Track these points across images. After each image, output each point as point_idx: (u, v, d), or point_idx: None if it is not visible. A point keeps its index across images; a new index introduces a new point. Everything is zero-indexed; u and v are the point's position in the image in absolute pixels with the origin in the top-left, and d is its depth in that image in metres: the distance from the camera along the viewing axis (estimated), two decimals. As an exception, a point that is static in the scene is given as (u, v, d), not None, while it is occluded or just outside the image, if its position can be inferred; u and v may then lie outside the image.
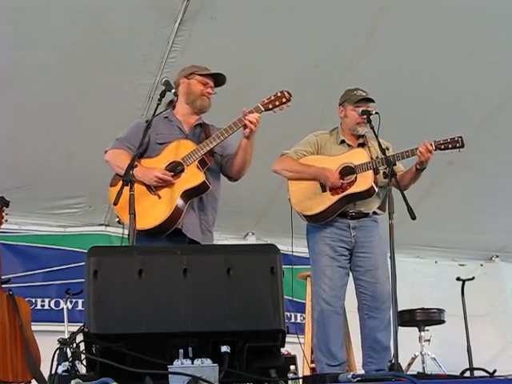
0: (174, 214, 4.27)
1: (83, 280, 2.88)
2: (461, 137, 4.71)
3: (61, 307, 6.92)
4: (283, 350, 3.08)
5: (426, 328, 6.81)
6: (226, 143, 4.49)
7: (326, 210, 4.91)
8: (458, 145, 4.71)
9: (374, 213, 4.99)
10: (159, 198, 4.31)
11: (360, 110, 4.90)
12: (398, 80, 6.27)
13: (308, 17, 5.82)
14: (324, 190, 4.94)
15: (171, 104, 4.71)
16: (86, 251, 2.92)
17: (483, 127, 6.82)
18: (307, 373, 5.74)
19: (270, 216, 7.82)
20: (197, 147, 4.38)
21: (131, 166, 4.03)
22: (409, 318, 6.76)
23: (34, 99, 6.16)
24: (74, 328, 3.05)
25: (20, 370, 5.28)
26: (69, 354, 2.79)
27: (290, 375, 5.45)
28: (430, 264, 9.18)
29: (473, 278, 6.76)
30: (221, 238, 8.04)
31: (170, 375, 2.55)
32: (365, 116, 4.84)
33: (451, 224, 8.27)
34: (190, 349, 2.73)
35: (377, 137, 4.67)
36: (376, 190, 4.86)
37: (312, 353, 5.45)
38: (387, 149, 4.78)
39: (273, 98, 4.40)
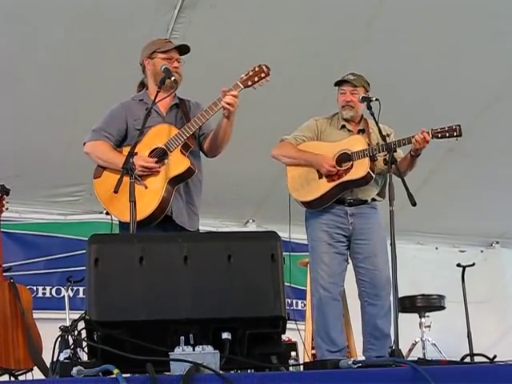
0: (163, 203, 4.23)
1: (84, 268, 2.88)
2: (459, 125, 4.66)
3: (62, 295, 6.93)
4: (284, 337, 3.09)
5: (427, 314, 6.84)
6: None
7: (321, 196, 4.90)
8: (455, 133, 4.66)
9: (373, 199, 4.98)
10: (146, 187, 4.24)
11: (360, 96, 4.90)
12: (397, 67, 6.26)
13: (308, 4, 5.80)
14: (320, 177, 4.93)
15: (143, 85, 4.63)
16: (86, 239, 2.92)
17: (483, 114, 6.81)
18: (308, 359, 5.75)
19: (271, 203, 7.82)
20: (179, 132, 4.30)
21: (131, 154, 4.01)
22: (409, 305, 6.78)
23: (33, 87, 6.15)
24: (76, 315, 3.05)
25: (22, 358, 5.30)
26: (70, 342, 2.80)
27: (291, 361, 5.45)
28: (431, 250, 9.19)
29: (473, 265, 6.77)
30: (221, 226, 8.06)
31: (171, 362, 2.56)
32: (349, 100, 4.92)
33: (452, 210, 8.28)
34: (191, 336, 2.74)
35: (377, 123, 4.66)
36: (373, 176, 4.84)
37: (313, 339, 5.47)
38: (387, 135, 4.77)
39: (251, 73, 4.30)
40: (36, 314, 5.65)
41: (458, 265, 6.73)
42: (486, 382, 2.70)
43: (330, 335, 4.81)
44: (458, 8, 5.84)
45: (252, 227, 8.33)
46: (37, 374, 5.23)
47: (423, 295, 6.92)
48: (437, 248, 9.25)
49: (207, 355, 2.59)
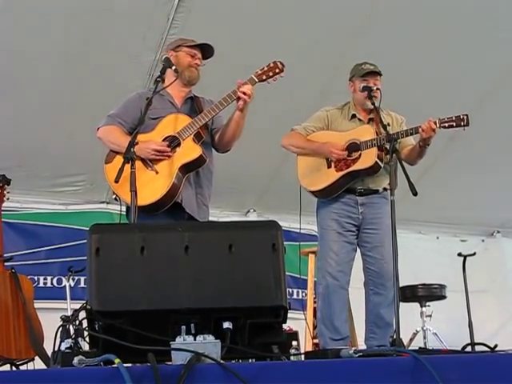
0: (173, 189, 4.27)
1: (85, 257, 2.88)
2: (466, 115, 4.62)
3: (63, 285, 6.94)
4: (285, 326, 3.09)
5: (428, 303, 6.85)
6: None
7: (329, 185, 4.93)
8: (462, 123, 4.62)
9: (385, 189, 4.98)
10: (156, 173, 4.29)
11: (361, 85, 4.89)
12: (398, 55, 6.24)
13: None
14: (329, 166, 4.95)
15: (161, 78, 4.70)
16: (87, 229, 2.91)
17: (484, 102, 6.79)
18: (309, 349, 5.76)
19: (272, 193, 7.83)
20: (192, 121, 4.37)
21: (132, 143, 4.01)
22: (410, 294, 6.79)
23: (34, 78, 6.15)
24: (77, 305, 3.06)
25: (23, 348, 5.31)
26: (71, 331, 2.80)
27: (292, 351, 5.45)
28: (432, 240, 9.21)
29: (474, 254, 6.76)
30: (222, 215, 8.06)
31: (172, 351, 2.56)
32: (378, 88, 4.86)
33: (453, 200, 8.27)
34: (192, 325, 2.74)
35: (378, 113, 4.66)
36: (381, 166, 4.85)
37: (314, 328, 5.47)
38: (388, 124, 4.76)
39: (266, 68, 4.39)
40: (37, 304, 5.65)
41: (459, 254, 6.72)
42: (487, 372, 2.69)
43: (334, 323, 4.83)
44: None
45: (253, 217, 8.33)
46: (38, 363, 5.24)
47: (424, 284, 6.93)
48: (438, 237, 9.26)
49: (208, 345, 2.59)
